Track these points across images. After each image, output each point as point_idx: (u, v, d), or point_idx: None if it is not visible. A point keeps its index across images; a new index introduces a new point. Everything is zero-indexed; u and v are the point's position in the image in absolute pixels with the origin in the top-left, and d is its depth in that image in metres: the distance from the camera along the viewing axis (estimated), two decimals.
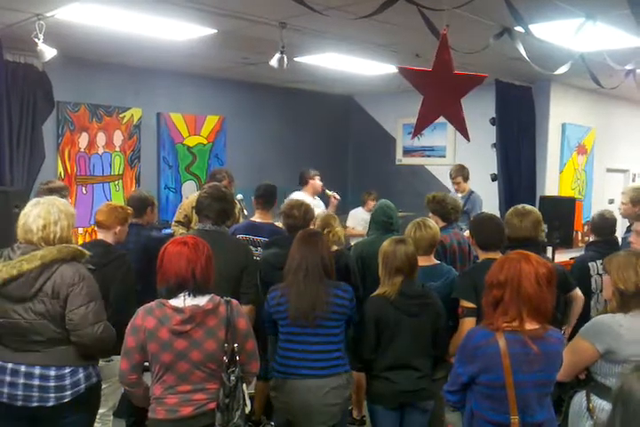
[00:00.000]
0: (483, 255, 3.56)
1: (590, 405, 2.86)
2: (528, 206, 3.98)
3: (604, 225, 4.54)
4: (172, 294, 2.65)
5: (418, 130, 4.08)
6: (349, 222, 7.24)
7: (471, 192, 6.53)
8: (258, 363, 2.87)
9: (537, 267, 2.49)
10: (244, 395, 2.70)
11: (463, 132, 4.43)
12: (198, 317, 2.61)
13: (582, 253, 4.89)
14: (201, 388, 2.65)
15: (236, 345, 2.67)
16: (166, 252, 2.68)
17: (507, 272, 2.49)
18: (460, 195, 6.45)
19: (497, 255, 3.36)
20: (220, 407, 2.63)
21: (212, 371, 2.65)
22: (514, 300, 2.46)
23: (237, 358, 2.67)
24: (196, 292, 2.65)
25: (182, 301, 2.63)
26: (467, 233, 5.65)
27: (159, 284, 2.70)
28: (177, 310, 2.61)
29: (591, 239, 4.90)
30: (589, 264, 4.35)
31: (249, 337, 2.78)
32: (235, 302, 2.76)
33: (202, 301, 2.65)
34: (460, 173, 6.63)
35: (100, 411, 3.26)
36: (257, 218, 4.65)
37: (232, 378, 2.64)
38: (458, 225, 4.93)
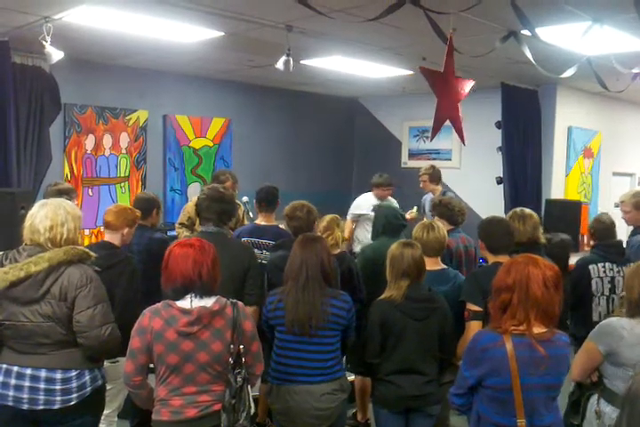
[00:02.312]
0: (492, 259, 3.56)
1: (597, 408, 2.91)
2: (527, 210, 4.00)
3: (603, 229, 4.52)
4: (179, 295, 2.65)
5: (435, 131, 4.19)
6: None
7: (444, 192, 6.47)
8: (262, 365, 2.87)
9: (544, 270, 2.49)
10: (249, 396, 2.71)
11: (460, 135, 4.52)
12: (205, 318, 2.61)
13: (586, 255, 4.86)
14: (206, 389, 2.65)
15: (242, 347, 2.67)
16: (172, 253, 2.68)
17: (514, 276, 2.49)
18: (431, 195, 6.42)
19: (506, 259, 3.34)
20: (226, 408, 2.63)
21: (217, 373, 2.65)
22: (522, 303, 2.46)
23: (243, 359, 2.67)
24: (202, 293, 2.65)
25: (189, 302, 2.63)
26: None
27: (164, 285, 2.70)
28: (184, 311, 2.61)
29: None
30: (590, 267, 4.33)
31: (254, 339, 2.78)
32: (241, 303, 2.76)
33: (208, 302, 2.65)
34: (427, 172, 6.55)
35: (105, 412, 3.26)
36: (261, 221, 4.65)
37: (239, 379, 2.64)
38: None
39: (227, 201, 3.70)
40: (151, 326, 2.61)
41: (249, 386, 2.72)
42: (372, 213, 6.41)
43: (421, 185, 6.64)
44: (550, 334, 2.49)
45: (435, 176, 6.59)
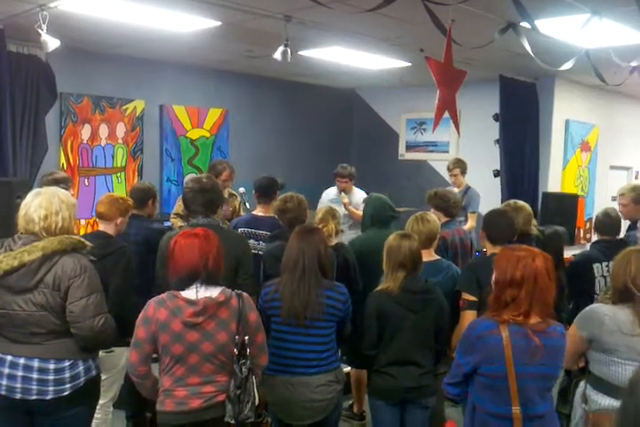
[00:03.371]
0: (490, 249, 3.60)
1: (583, 393, 2.94)
2: (520, 202, 4.05)
3: (608, 224, 4.47)
4: (184, 284, 2.66)
5: (436, 122, 4.24)
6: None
7: (468, 187, 6.45)
8: (267, 356, 2.90)
9: (546, 262, 2.53)
10: (254, 387, 2.71)
11: (456, 125, 4.56)
12: (211, 309, 2.63)
13: (586, 250, 4.80)
14: (210, 380, 2.66)
15: (246, 337, 2.68)
16: (177, 244, 2.69)
17: (523, 270, 2.49)
18: (456, 190, 6.31)
19: None
20: (232, 399, 2.64)
21: (221, 363, 2.66)
22: (528, 297, 2.48)
23: (248, 350, 2.68)
24: (208, 282, 2.66)
25: (194, 293, 2.64)
26: (465, 227, 5.66)
27: (170, 276, 2.71)
28: (189, 302, 2.62)
29: (594, 238, 4.82)
30: (594, 266, 4.28)
31: (259, 330, 2.80)
32: (246, 295, 2.78)
33: (214, 293, 2.66)
34: (458, 165, 6.50)
35: (101, 402, 3.26)
36: (259, 211, 4.65)
37: (244, 369, 2.65)
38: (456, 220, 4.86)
39: (210, 190, 3.62)
40: (156, 317, 2.62)
41: (253, 377, 2.72)
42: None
43: (452, 180, 6.53)
44: (546, 324, 2.51)
45: (464, 169, 6.51)
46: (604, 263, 4.24)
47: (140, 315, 2.67)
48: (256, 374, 2.80)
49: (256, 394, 2.72)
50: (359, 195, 6.31)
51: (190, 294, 2.64)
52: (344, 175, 6.30)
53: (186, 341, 2.61)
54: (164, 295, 2.68)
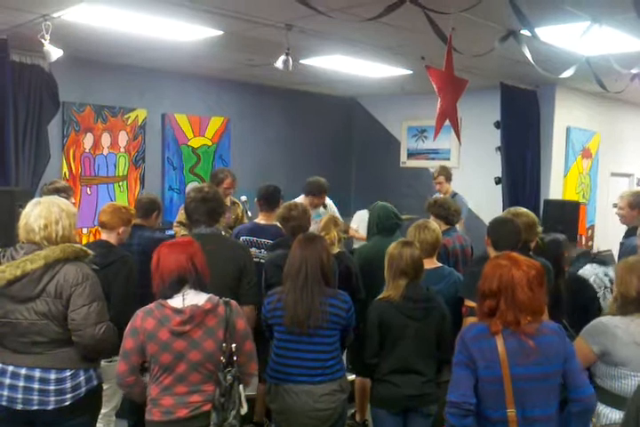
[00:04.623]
0: (494, 255, 3.58)
1: None
2: (521, 209, 4.02)
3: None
4: (174, 291, 2.65)
5: (437, 130, 4.27)
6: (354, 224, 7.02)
7: (454, 194, 6.50)
8: (256, 364, 2.87)
9: (528, 271, 2.49)
10: (240, 396, 2.70)
11: (457, 133, 4.59)
12: (198, 317, 2.62)
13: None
14: (197, 389, 2.66)
15: (234, 345, 2.67)
16: (161, 253, 2.71)
17: (498, 281, 2.49)
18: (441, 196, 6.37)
19: None
20: (216, 407, 2.64)
21: (209, 372, 2.66)
22: (510, 308, 2.47)
23: (235, 358, 2.68)
24: (197, 285, 2.67)
25: (181, 301, 2.64)
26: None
27: (157, 285, 2.70)
28: (176, 310, 2.62)
29: (595, 246, 4.81)
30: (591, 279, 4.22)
31: (247, 338, 2.79)
32: (234, 302, 2.77)
33: (200, 300, 2.66)
34: (442, 172, 6.58)
35: (103, 411, 3.25)
36: (261, 220, 4.65)
37: (228, 377, 2.64)
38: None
39: (212, 199, 3.63)
40: (144, 327, 2.63)
41: (241, 386, 2.71)
42: None
43: (437, 187, 6.62)
44: (537, 323, 2.49)
45: (449, 175, 6.59)
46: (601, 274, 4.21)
47: (128, 325, 2.67)
48: (246, 383, 2.79)
49: (243, 403, 2.71)
50: (330, 202, 6.02)
51: (177, 302, 2.64)
52: (322, 192, 5.65)
53: (174, 350, 2.61)
54: (151, 305, 2.68)
